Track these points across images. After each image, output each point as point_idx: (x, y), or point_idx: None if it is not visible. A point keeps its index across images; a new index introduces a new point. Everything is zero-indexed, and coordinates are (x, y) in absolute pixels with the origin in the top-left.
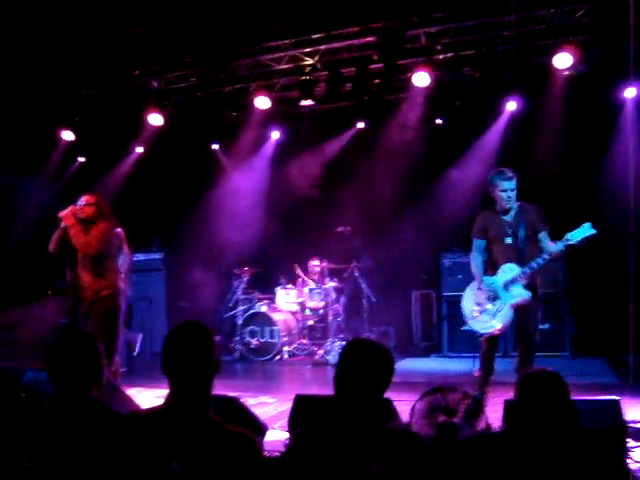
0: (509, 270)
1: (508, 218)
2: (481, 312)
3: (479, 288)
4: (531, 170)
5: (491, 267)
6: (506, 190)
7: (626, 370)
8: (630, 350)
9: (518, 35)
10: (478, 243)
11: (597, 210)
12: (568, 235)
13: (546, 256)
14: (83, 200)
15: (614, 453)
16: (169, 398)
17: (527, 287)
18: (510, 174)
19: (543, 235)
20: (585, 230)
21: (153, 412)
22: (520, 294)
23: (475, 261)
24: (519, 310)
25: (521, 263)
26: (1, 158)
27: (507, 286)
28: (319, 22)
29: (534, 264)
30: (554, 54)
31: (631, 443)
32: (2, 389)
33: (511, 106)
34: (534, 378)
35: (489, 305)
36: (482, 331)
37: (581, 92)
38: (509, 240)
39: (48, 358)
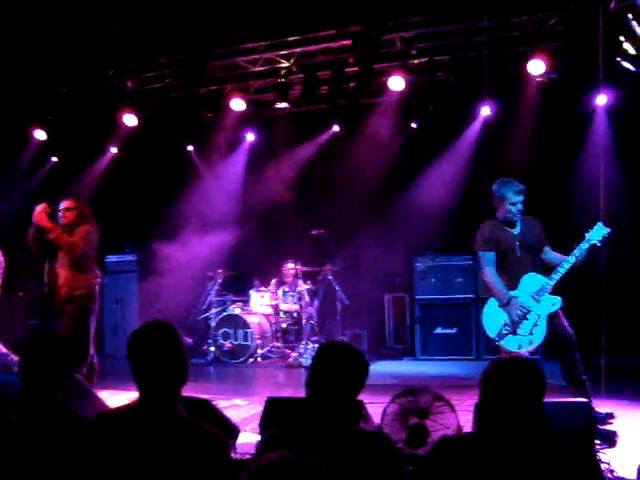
0: (533, 280)
1: (515, 230)
2: (514, 330)
3: (504, 305)
4: (504, 174)
5: (505, 281)
6: (516, 203)
7: (597, 373)
8: (602, 354)
9: (491, 41)
10: (490, 256)
11: (569, 215)
12: (589, 235)
13: (572, 259)
14: (63, 206)
15: (584, 450)
16: (139, 396)
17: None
18: (522, 187)
19: (548, 248)
20: (601, 229)
21: (123, 410)
22: (554, 302)
23: (494, 277)
24: (552, 318)
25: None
26: None
27: (536, 297)
28: (295, 25)
29: (561, 270)
30: (527, 61)
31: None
32: None
33: (485, 111)
34: (507, 364)
35: (523, 321)
36: (520, 350)
37: (554, 98)
38: (519, 253)
39: (20, 360)
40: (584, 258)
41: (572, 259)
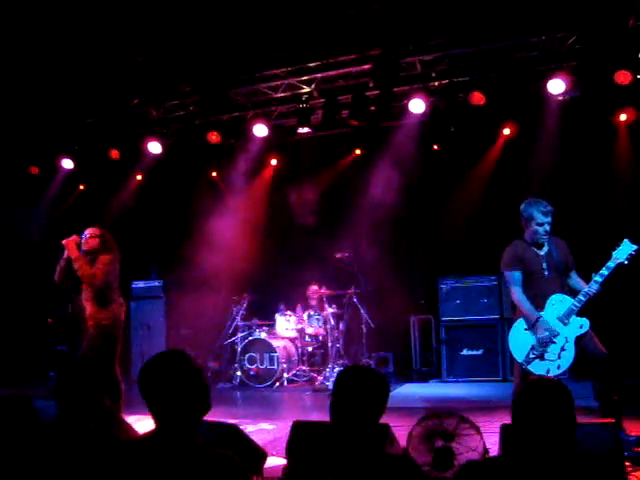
0: (560, 302)
1: (542, 252)
2: (542, 354)
3: (530, 328)
4: (526, 194)
5: (532, 301)
6: (543, 224)
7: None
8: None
9: (510, 62)
10: (517, 276)
11: (595, 235)
12: (615, 253)
13: (599, 279)
14: (87, 233)
15: (612, 474)
16: (155, 425)
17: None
18: (549, 207)
19: (574, 273)
20: (628, 246)
21: (139, 441)
22: (582, 324)
23: (521, 297)
24: (580, 339)
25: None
26: (2, 184)
27: (563, 320)
28: (315, 50)
29: (589, 291)
30: (547, 80)
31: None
32: (18, 415)
33: (506, 131)
34: (538, 385)
35: (550, 345)
36: (549, 375)
37: (575, 117)
38: (547, 273)
39: (56, 385)
40: (611, 276)
41: (599, 279)
